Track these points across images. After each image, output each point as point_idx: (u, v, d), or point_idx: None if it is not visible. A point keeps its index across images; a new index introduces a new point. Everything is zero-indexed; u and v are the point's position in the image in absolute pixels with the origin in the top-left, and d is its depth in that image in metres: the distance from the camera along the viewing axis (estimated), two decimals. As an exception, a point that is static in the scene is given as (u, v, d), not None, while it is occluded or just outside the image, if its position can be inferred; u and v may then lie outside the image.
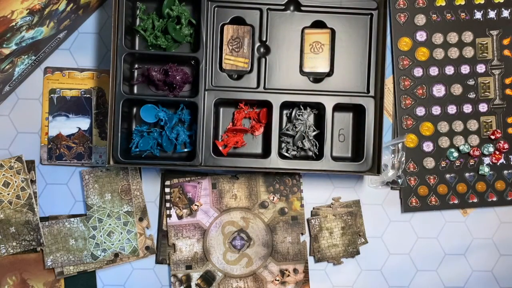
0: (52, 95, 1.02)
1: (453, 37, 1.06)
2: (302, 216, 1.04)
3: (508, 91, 1.06)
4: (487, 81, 1.06)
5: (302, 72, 1.00)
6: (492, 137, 1.00)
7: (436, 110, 1.06)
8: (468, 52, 1.06)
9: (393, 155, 1.04)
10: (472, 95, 1.06)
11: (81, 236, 1.01)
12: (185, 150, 1.00)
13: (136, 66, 1.01)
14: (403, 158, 1.04)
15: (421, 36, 1.06)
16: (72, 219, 1.01)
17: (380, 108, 0.97)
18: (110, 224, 1.01)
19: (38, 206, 1.01)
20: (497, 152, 1.01)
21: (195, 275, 1.02)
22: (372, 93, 0.98)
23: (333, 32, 1.00)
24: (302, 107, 1.01)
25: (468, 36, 1.06)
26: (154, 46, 1.00)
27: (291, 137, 1.01)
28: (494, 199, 1.06)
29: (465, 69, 1.06)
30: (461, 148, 1.05)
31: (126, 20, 0.95)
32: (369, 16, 0.99)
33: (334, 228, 1.04)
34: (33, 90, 1.02)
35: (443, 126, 1.06)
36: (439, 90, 1.06)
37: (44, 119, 1.02)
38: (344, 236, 1.04)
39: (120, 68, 0.94)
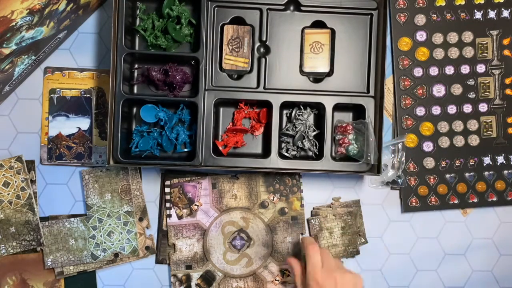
0: (52, 95, 1.02)
1: (453, 37, 1.06)
2: (302, 216, 1.04)
3: (508, 91, 1.06)
4: (487, 81, 1.06)
5: (302, 72, 1.00)
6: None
7: (436, 110, 1.06)
8: (468, 52, 1.06)
9: (393, 155, 1.04)
10: (472, 95, 1.06)
11: (81, 236, 1.01)
12: (185, 150, 1.00)
13: (136, 66, 1.01)
14: (403, 158, 1.04)
15: (421, 36, 1.06)
16: (72, 219, 1.01)
17: (380, 108, 0.97)
18: (110, 224, 1.01)
19: (38, 206, 1.01)
20: None
21: (195, 275, 1.02)
22: (372, 93, 0.98)
23: (333, 32, 1.00)
24: (302, 107, 1.01)
25: (468, 36, 1.06)
26: (154, 46, 1.00)
27: (291, 137, 1.01)
28: (494, 199, 1.06)
29: (465, 69, 1.06)
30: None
31: (126, 20, 0.95)
32: (369, 16, 0.99)
33: (334, 228, 1.04)
34: (33, 90, 1.02)
35: (443, 126, 1.06)
36: (439, 90, 1.06)
37: (44, 119, 1.02)
38: (344, 236, 1.04)
39: (120, 68, 0.94)
